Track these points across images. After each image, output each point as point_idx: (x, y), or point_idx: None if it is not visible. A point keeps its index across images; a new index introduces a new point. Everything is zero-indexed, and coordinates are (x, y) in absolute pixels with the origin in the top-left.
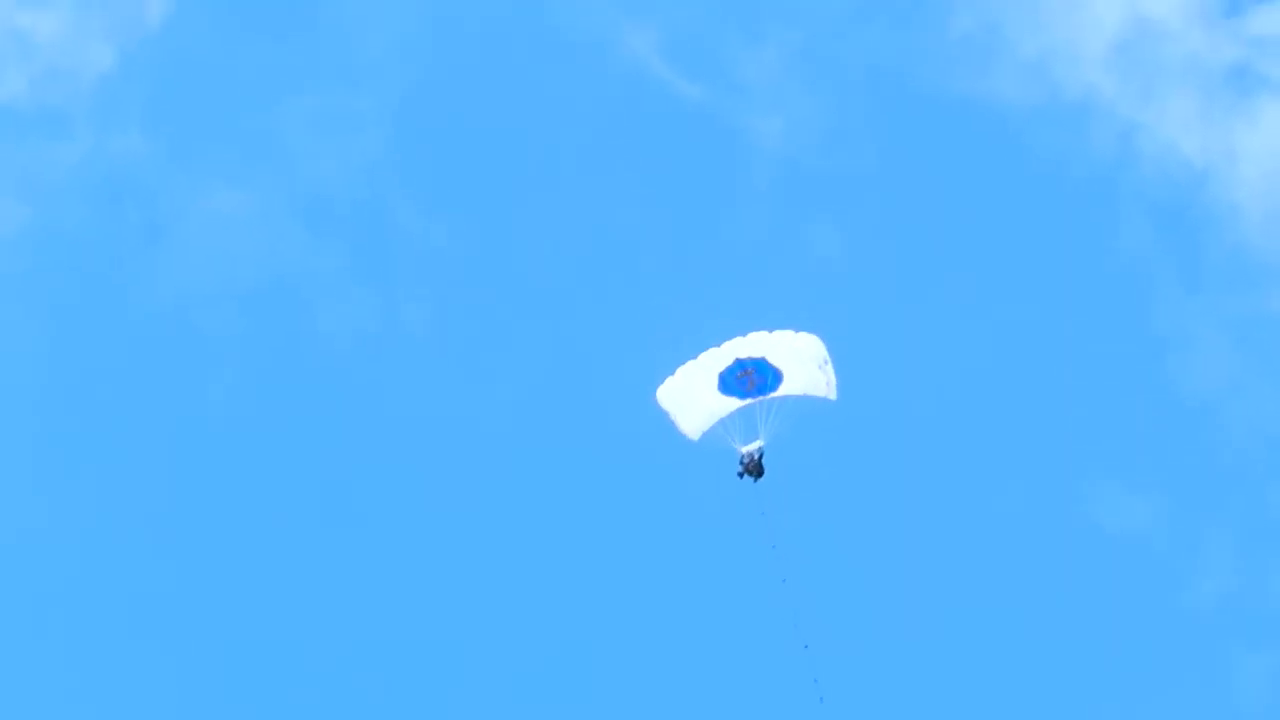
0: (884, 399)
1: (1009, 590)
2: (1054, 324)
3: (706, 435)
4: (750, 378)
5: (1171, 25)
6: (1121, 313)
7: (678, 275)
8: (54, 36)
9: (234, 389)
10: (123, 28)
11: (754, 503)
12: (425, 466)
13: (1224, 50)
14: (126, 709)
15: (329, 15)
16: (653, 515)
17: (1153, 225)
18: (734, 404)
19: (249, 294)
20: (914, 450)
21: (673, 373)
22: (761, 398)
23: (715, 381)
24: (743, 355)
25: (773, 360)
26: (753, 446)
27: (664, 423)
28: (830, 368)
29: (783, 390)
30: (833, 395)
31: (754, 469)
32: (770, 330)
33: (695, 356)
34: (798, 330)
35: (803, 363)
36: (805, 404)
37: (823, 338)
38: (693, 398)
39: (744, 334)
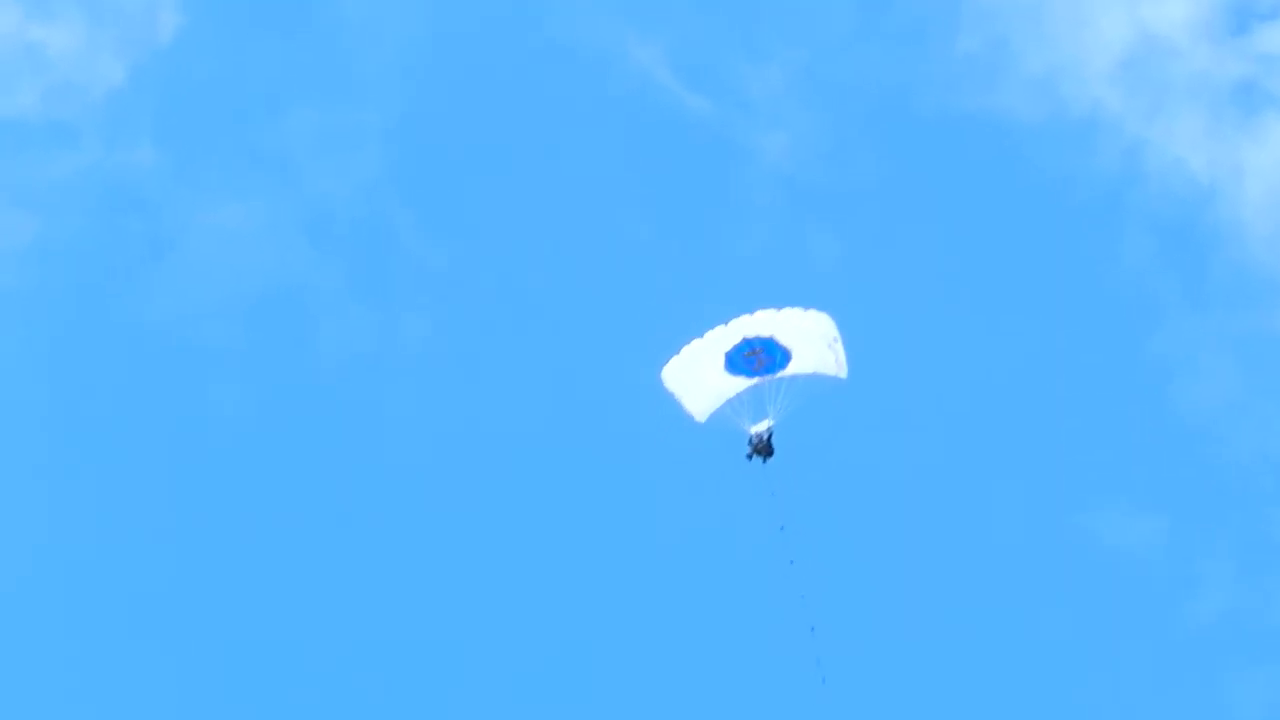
0: (886, 415)
1: (1010, 606)
2: (1058, 340)
3: (713, 417)
4: (758, 357)
5: (1178, 42)
6: (1126, 329)
7: (681, 289)
8: (66, 50)
9: (235, 402)
10: (134, 42)
11: (763, 483)
12: (425, 482)
13: (1230, 67)
14: (131, 718)
15: (334, 30)
16: (655, 522)
17: (1158, 242)
18: (742, 384)
19: (251, 308)
20: (917, 464)
21: (678, 353)
22: (770, 377)
23: (722, 361)
24: (750, 334)
25: (781, 339)
26: (762, 426)
27: (669, 408)
28: (840, 346)
29: (791, 369)
30: (843, 374)
31: (763, 449)
32: (778, 308)
33: (701, 335)
34: (806, 308)
35: (811, 341)
36: (814, 383)
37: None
38: (699, 378)
39: (751, 313)
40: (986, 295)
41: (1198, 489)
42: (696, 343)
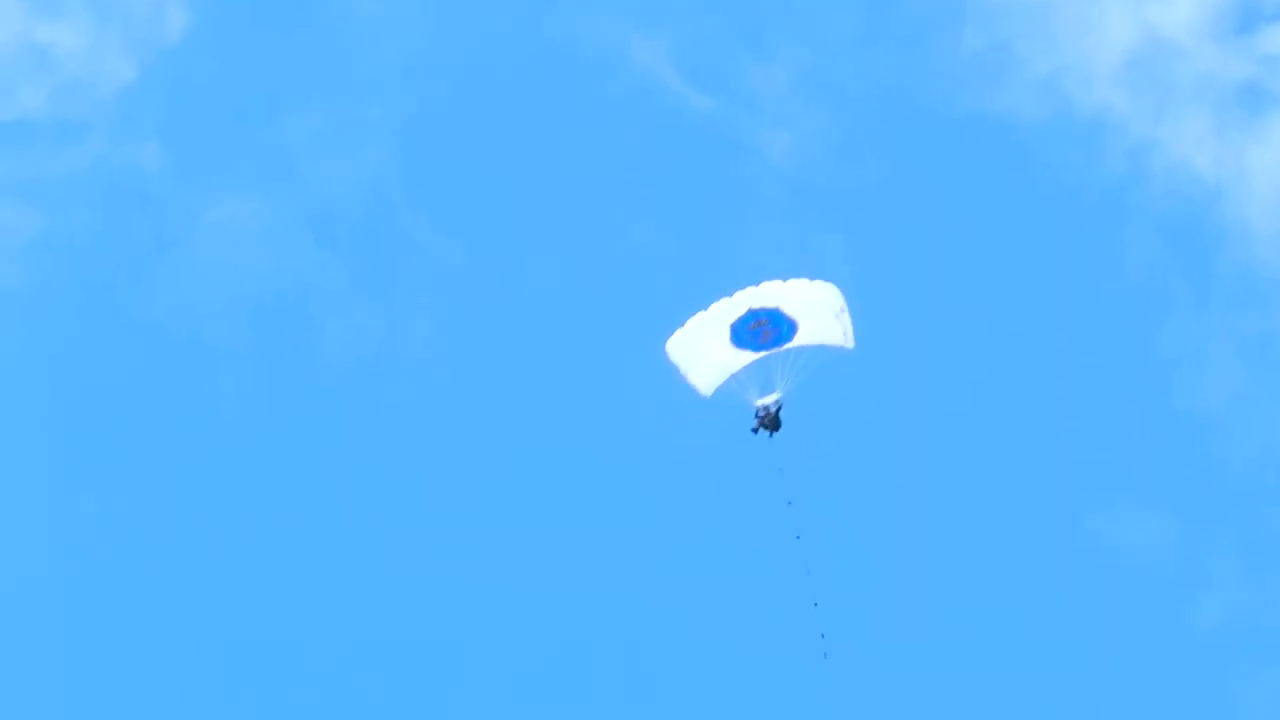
0: (892, 416)
1: (1013, 605)
2: (1063, 340)
3: (719, 391)
4: (764, 328)
5: (1183, 42)
6: (1131, 329)
7: (686, 289)
8: (73, 50)
9: (241, 400)
10: (142, 41)
11: (771, 458)
12: (430, 481)
13: (1236, 68)
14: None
15: (339, 28)
16: (663, 511)
17: (1164, 242)
18: (748, 357)
19: (257, 305)
20: (922, 464)
21: (683, 324)
22: (776, 349)
23: (727, 333)
24: (756, 305)
25: (787, 310)
26: (770, 399)
27: (674, 383)
28: (847, 316)
29: (797, 341)
30: (850, 344)
31: (770, 422)
32: (784, 280)
33: (706, 307)
34: (812, 279)
35: (817, 312)
36: (822, 357)
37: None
38: (704, 351)
39: (756, 284)
40: (992, 295)
41: (1204, 488)
42: (701, 315)
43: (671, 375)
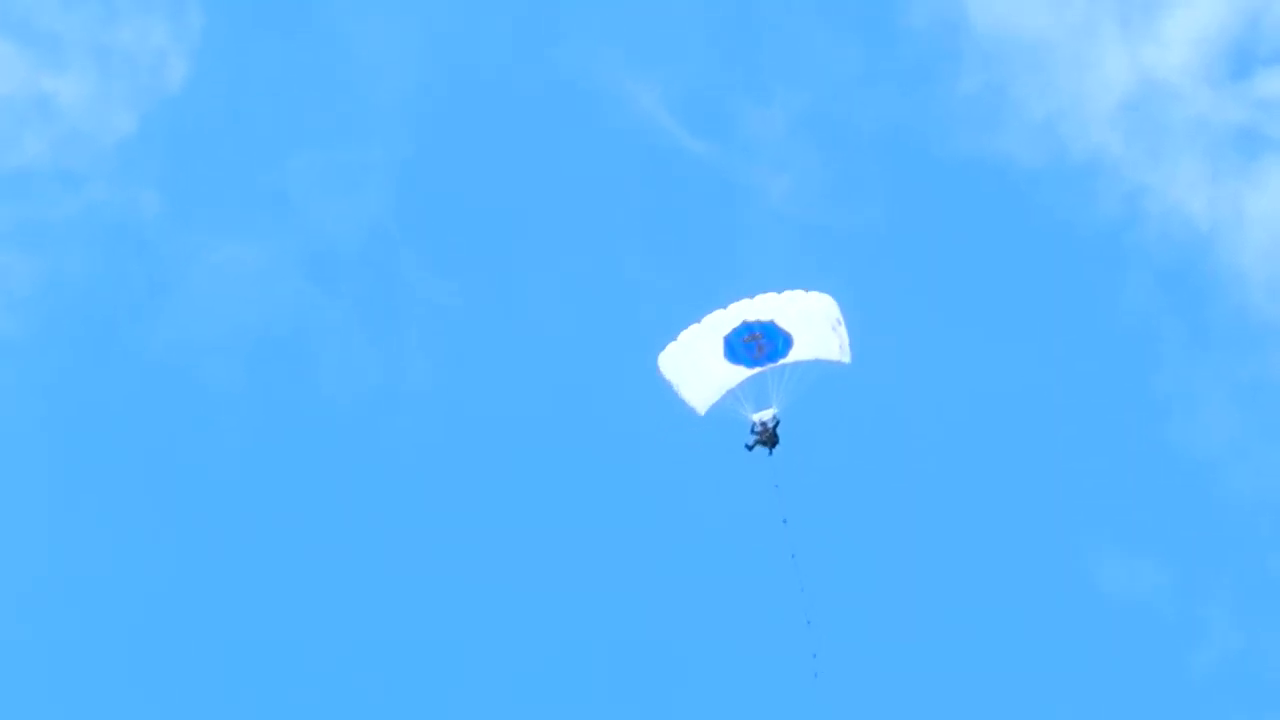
0: (886, 453)
1: (1010, 653)
2: (1058, 384)
3: (713, 408)
4: (759, 342)
5: (1179, 87)
6: (1126, 374)
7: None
8: (76, 100)
9: (240, 441)
10: (144, 91)
11: (766, 475)
12: (427, 518)
13: (1231, 112)
14: None
15: (338, 70)
16: (655, 555)
17: (1158, 286)
18: (742, 373)
19: (255, 346)
20: (915, 509)
21: (675, 338)
22: (771, 365)
23: (721, 347)
24: (750, 318)
25: (781, 323)
26: (766, 414)
27: (668, 402)
28: (843, 328)
29: (793, 356)
30: (846, 358)
31: (768, 438)
32: (779, 291)
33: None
34: (808, 290)
35: (813, 325)
36: (818, 373)
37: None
38: (698, 367)
39: (751, 296)
40: (988, 337)
41: (1199, 533)
42: (694, 327)
43: (666, 395)
